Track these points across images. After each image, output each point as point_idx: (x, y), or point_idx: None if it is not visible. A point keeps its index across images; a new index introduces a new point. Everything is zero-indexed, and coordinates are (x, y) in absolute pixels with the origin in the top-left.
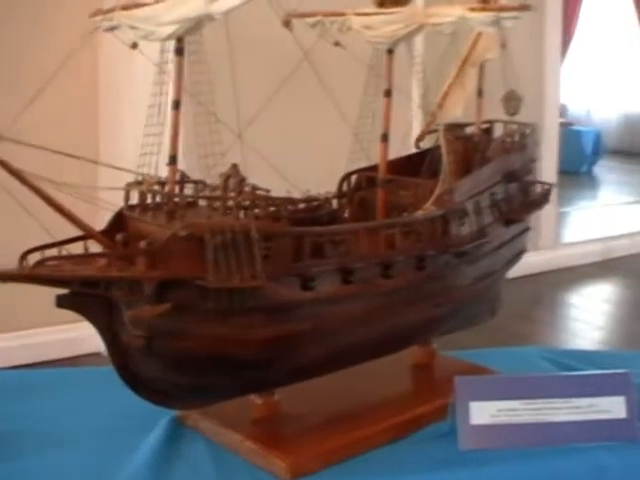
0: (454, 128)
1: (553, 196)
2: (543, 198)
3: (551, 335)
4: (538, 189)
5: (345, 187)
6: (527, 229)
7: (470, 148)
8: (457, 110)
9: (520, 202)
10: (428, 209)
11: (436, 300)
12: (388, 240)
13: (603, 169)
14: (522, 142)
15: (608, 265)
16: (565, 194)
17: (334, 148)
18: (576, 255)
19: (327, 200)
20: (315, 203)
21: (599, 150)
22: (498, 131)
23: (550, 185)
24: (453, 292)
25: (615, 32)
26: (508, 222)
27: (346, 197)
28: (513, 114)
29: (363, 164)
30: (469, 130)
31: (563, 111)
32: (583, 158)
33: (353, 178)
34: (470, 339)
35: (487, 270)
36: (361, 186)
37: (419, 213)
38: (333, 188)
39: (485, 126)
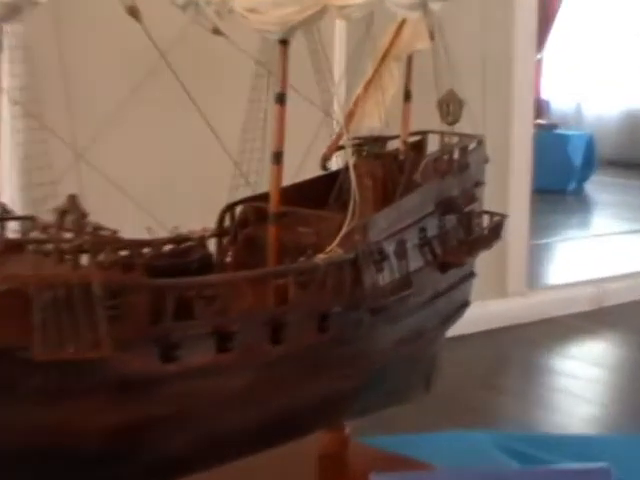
0: (370, 143)
1: (522, 226)
2: (492, 234)
3: (521, 410)
4: (485, 222)
5: (227, 222)
6: (470, 275)
7: (392, 169)
8: (374, 119)
9: (460, 240)
10: (334, 251)
11: (345, 370)
12: (279, 293)
13: (596, 186)
14: (463, 160)
15: (600, 316)
16: (545, 220)
17: (212, 172)
18: (558, 303)
19: (201, 240)
20: (184, 245)
21: (592, 161)
22: (432, 146)
23: (502, 216)
24: (368, 359)
25: (613, 9)
26: (444, 267)
27: (228, 236)
28: (452, 123)
29: (250, 192)
30: (392, 145)
31: (544, 109)
32: (570, 172)
33: (238, 210)
34: (409, 417)
35: (415, 330)
36: (248, 221)
37: (321, 257)
38: (211, 224)
39: (414, 139)
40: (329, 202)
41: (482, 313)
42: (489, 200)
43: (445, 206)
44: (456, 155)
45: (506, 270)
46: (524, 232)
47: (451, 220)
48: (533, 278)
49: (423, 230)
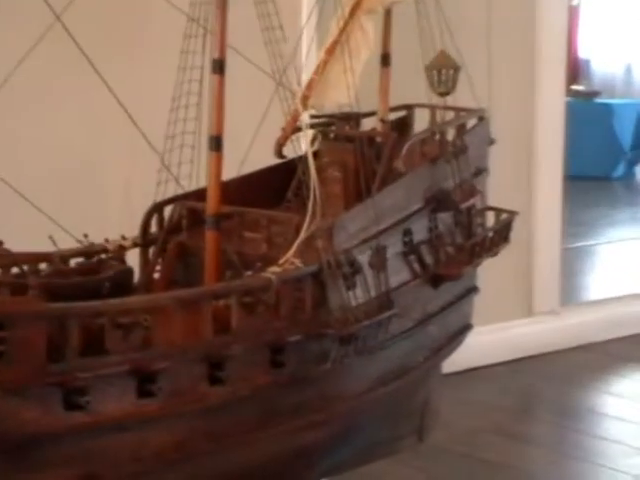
0: (339, 122)
1: (553, 224)
2: (499, 237)
3: (553, 464)
4: (490, 222)
5: (154, 228)
6: (472, 290)
7: (368, 155)
8: (342, 91)
9: (457, 245)
10: (290, 263)
11: (308, 418)
12: (220, 319)
13: None
14: (460, 142)
15: None
16: (584, 216)
17: (135, 162)
18: (600, 324)
19: (119, 252)
20: (97, 258)
21: None
22: (420, 125)
23: (511, 214)
24: (339, 403)
25: None
26: (437, 280)
27: (155, 245)
28: (445, 94)
29: (183, 188)
30: (367, 125)
31: (583, 72)
32: (617, 153)
33: (167, 212)
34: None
35: (400, 363)
36: (180, 226)
37: (274, 271)
38: (133, 230)
39: (395, 116)
40: (286, 200)
41: (501, 339)
42: (509, 193)
43: (437, 201)
44: (450, 135)
45: (532, 283)
46: (555, 233)
47: (445, 220)
48: (568, 293)
49: (408, 233)
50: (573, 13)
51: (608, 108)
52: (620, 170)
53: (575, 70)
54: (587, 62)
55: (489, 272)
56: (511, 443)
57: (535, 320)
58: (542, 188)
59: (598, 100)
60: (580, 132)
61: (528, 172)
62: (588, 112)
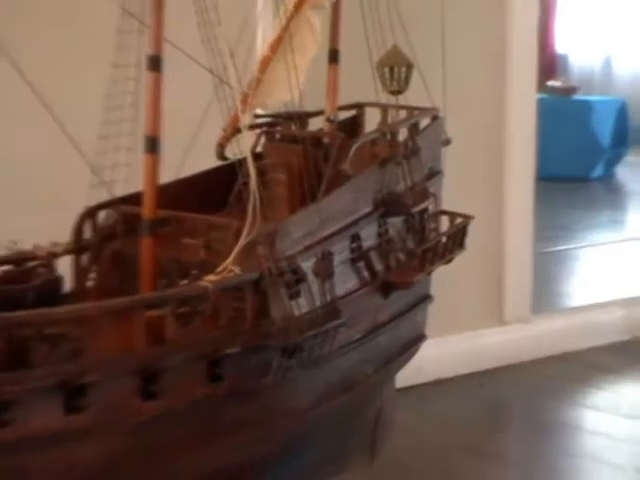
0: (284, 122)
1: (524, 227)
2: (453, 242)
3: None
4: (443, 226)
5: (88, 233)
6: (425, 299)
7: (315, 157)
8: (286, 89)
9: (409, 251)
10: (229, 271)
11: (249, 435)
12: (154, 330)
13: (631, 171)
14: (412, 142)
15: (635, 350)
16: (561, 219)
17: (66, 164)
18: (576, 332)
19: (49, 259)
20: (24, 266)
21: (624, 137)
22: (371, 125)
23: (465, 218)
24: (281, 419)
25: None
26: (387, 288)
27: (88, 252)
28: (397, 92)
29: (118, 192)
30: (315, 125)
31: (559, 67)
32: (596, 152)
33: (101, 217)
34: None
35: (348, 376)
36: (115, 231)
37: (212, 279)
38: (64, 236)
39: (344, 116)
40: (228, 204)
41: (471, 348)
42: (477, 196)
43: (387, 205)
44: (402, 136)
45: (503, 289)
46: (527, 236)
47: (396, 225)
48: (543, 299)
49: (356, 239)
50: (550, 6)
51: (586, 105)
52: (599, 170)
53: (552, 65)
54: (565, 57)
55: (458, 278)
56: (484, 463)
57: (506, 329)
58: (512, 190)
59: (576, 97)
60: (557, 130)
61: (498, 174)
62: (565, 109)
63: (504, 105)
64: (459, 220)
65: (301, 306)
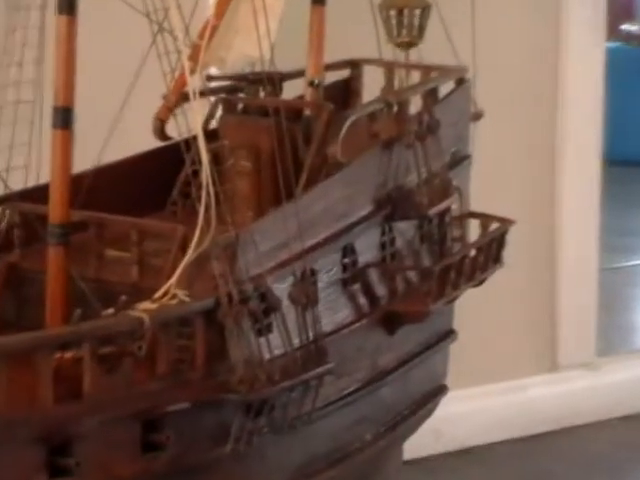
0: (248, 87)
1: (587, 236)
2: (486, 257)
3: None
4: (472, 235)
5: None
6: (447, 335)
7: (290, 137)
8: (252, 42)
9: (424, 270)
10: (170, 297)
11: None
12: (65, 379)
13: None
14: (428, 118)
15: None
16: (629, 222)
17: None
18: None
19: None
20: None
21: None
22: (372, 91)
23: (505, 222)
24: None
25: None
26: (393, 321)
27: None
28: (408, 44)
29: (15, 185)
30: (289, 91)
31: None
32: None
33: None
34: None
35: (337, 444)
36: (10, 239)
37: (147, 308)
38: None
39: (331, 80)
40: (171, 202)
41: (508, 405)
42: (523, 190)
43: (394, 205)
44: (415, 107)
45: (557, 322)
46: (590, 246)
47: (406, 232)
48: (608, 336)
49: (350, 252)
50: None
51: None
52: None
53: (627, 4)
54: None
55: (493, 307)
56: None
57: (560, 377)
58: (569, 181)
59: None
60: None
61: (549, 159)
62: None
63: (558, 60)
64: (494, 226)
65: (272, 346)
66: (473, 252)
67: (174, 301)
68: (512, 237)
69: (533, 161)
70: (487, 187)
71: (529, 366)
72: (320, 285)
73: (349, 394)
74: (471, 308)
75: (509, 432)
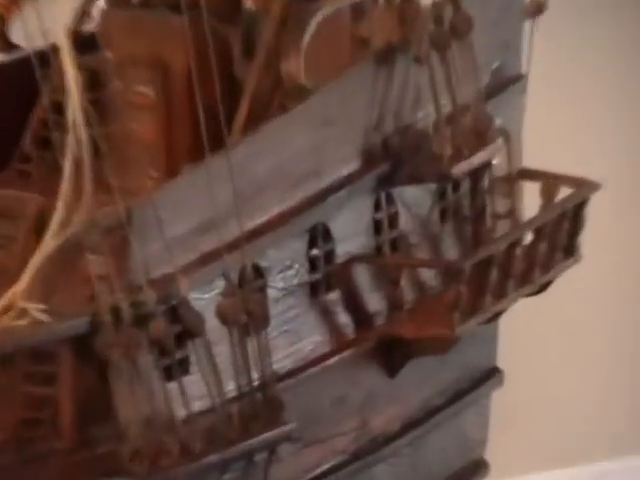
0: None
1: None
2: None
3: None
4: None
5: None
6: (487, 377)
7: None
8: None
9: (446, 265)
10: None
11: None
12: None
13: None
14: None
15: None
16: None
17: None
18: None
19: None
20: None
21: None
22: None
23: (585, 187)
24: None
25: None
26: (394, 351)
27: None
28: None
29: None
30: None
31: None
32: None
33: None
34: None
35: None
36: None
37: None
38: None
39: None
40: (19, 155)
41: None
42: (614, 136)
43: (396, 159)
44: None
45: None
46: None
47: (415, 203)
48: None
49: (322, 237)
50: None
51: None
52: None
53: None
54: None
55: (563, 340)
56: None
57: None
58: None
59: None
60: None
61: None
62: None
63: None
64: (567, 193)
65: (190, 396)
66: (529, 236)
67: (22, 321)
68: (596, 216)
69: (629, 88)
70: (552, 131)
71: (625, 444)
72: (272, 293)
73: (324, 474)
74: (525, 340)
75: None
